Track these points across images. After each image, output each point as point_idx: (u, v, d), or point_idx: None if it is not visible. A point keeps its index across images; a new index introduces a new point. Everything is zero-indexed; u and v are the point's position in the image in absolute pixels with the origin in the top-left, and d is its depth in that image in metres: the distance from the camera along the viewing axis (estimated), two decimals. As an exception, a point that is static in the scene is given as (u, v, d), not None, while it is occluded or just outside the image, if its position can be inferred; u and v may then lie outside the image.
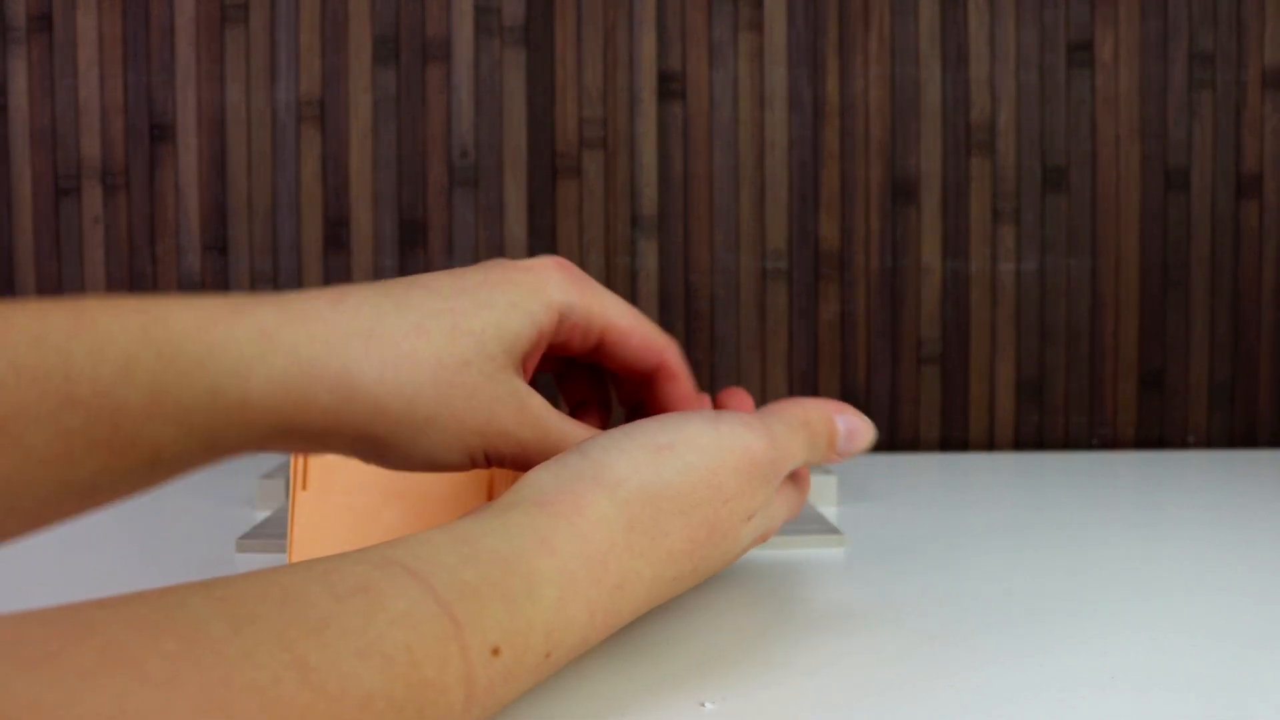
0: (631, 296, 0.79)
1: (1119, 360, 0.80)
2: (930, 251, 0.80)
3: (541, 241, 0.79)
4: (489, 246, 0.78)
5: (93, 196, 0.78)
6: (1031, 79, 0.79)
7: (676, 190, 0.79)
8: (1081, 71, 0.79)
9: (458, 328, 0.32)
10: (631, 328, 0.36)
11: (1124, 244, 0.80)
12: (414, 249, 0.79)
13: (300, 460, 0.40)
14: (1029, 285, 0.80)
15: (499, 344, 0.33)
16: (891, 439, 0.80)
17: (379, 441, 0.32)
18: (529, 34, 0.78)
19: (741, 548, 0.34)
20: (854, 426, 0.37)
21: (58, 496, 0.29)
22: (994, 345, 0.80)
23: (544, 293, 0.34)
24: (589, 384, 0.41)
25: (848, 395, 0.80)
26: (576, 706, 0.29)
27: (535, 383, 0.37)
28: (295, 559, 0.38)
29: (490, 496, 0.40)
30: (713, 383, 0.80)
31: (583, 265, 0.78)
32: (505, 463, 0.34)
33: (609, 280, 0.79)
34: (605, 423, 0.40)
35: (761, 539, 0.36)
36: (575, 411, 0.40)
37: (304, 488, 0.40)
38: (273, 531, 0.48)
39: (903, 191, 0.79)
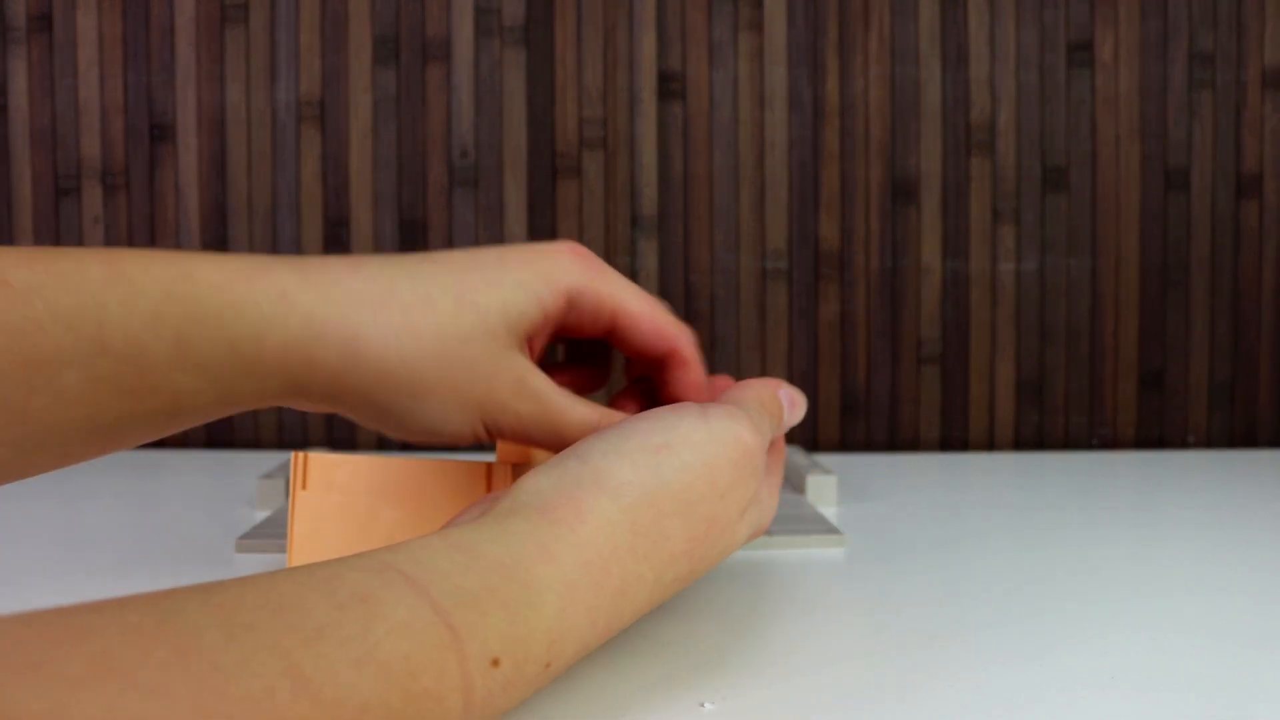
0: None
1: (1119, 360, 0.80)
2: (930, 251, 0.80)
3: (541, 241, 0.79)
4: (489, 246, 0.78)
5: (93, 196, 0.78)
6: (1031, 79, 0.79)
7: (676, 190, 0.79)
8: (1081, 71, 0.79)
9: (463, 301, 0.34)
10: (643, 313, 0.37)
11: (1124, 244, 0.80)
12: (414, 249, 0.79)
13: (300, 460, 0.39)
14: (1029, 285, 0.80)
15: (502, 321, 0.34)
16: (891, 439, 0.80)
17: (381, 408, 0.33)
18: (529, 34, 0.78)
19: (738, 542, 0.34)
20: (793, 398, 0.38)
21: (84, 437, 0.30)
22: (994, 345, 0.80)
23: (553, 275, 0.35)
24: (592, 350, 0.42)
25: (848, 395, 0.80)
26: (576, 707, 0.29)
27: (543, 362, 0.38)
28: (295, 558, 0.38)
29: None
30: (713, 383, 0.80)
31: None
32: (505, 435, 0.35)
33: (609, 280, 0.79)
34: (604, 380, 0.42)
35: (757, 534, 0.36)
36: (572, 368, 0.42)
37: (304, 487, 0.39)
38: (273, 531, 0.48)
39: (903, 191, 0.79)
